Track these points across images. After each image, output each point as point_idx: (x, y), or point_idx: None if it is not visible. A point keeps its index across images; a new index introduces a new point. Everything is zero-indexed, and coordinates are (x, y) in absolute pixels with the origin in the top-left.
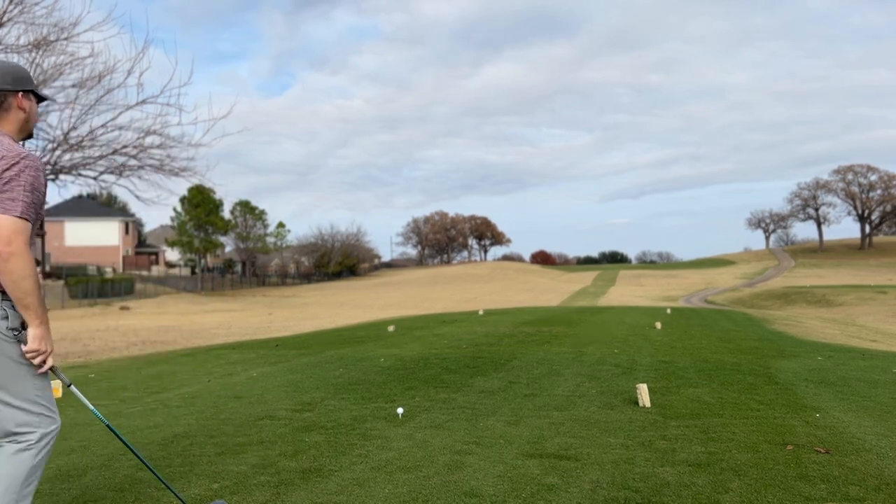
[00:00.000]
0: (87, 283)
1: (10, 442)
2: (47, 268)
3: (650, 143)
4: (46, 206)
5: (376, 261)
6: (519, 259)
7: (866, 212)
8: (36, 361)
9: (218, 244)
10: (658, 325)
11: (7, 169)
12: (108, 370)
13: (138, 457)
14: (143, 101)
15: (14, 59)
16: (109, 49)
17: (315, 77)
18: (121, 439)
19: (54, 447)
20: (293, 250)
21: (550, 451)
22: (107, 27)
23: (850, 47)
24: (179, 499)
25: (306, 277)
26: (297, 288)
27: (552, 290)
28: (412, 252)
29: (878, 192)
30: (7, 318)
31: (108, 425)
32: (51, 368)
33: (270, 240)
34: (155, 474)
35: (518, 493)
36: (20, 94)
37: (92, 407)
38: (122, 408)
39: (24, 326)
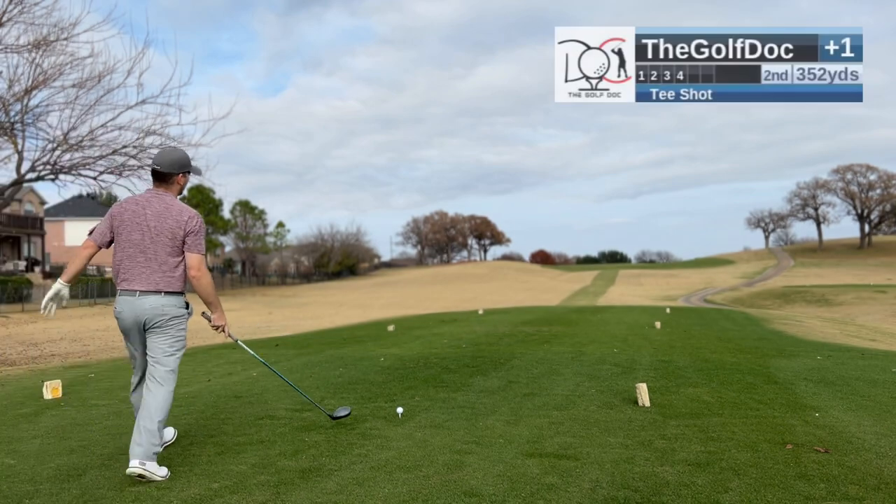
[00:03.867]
0: (87, 283)
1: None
2: (47, 268)
3: (646, 142)
4: (46, 206)
5: (376, 260)
6: (518, 259)
7: (866, 211)
8: (219, 331)
9: (217, 244)
10: (657, 324)
11: (196, 224)
12: (108, 370)
13: (287, 382)
14: (143, 102)
15: (14, 59)
16: (109, 49)
17: (310, 78)
18: (280, 376)
19: (54, 447)
20: (293, 250)
21: (550, 451)
22: (106, 27)
23: None
24: (327, 414)
25: (306, 277)
26: (296, 287)
27: (552, 290)
28: (412, 252)
29: (878, 191)
30: (188, 306)
31: (268, 366)
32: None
33: (270, 239)
34: (305, 396)
35: (518, 492)
36: (181, 174)
37: (252, 352)
38: (122, 408)
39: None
